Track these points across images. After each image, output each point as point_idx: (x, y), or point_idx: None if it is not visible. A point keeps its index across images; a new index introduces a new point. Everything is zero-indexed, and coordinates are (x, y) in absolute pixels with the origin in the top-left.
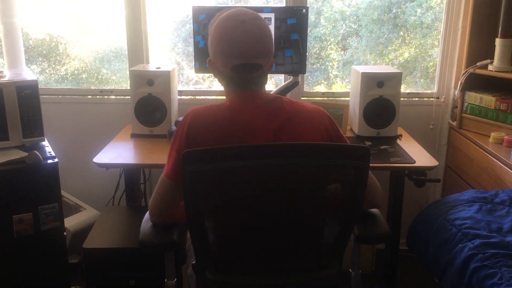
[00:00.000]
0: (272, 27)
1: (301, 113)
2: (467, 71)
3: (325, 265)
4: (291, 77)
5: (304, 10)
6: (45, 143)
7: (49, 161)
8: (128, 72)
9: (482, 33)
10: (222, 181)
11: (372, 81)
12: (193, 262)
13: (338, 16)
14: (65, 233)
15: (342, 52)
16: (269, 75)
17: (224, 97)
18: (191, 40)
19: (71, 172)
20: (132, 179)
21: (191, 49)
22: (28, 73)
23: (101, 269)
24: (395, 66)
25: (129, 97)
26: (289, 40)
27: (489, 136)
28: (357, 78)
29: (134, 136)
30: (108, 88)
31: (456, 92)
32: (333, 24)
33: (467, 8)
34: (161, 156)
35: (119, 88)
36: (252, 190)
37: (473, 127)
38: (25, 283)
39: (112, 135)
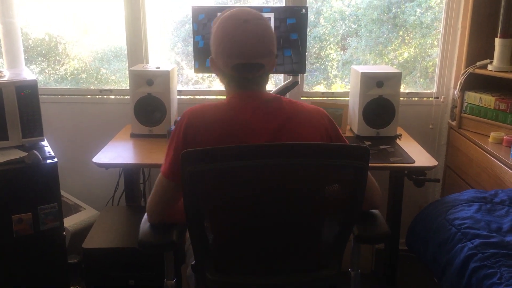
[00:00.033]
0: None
1: (300, 113)
2: (466, 71)
3: (325, 265)
4: (291, 77)
5: (303, 10)
6: (45, 143)
7: (49, 161)
8: (127, 72)
9: (482, 33)
10: (222, 181)
11: (371, 81)
12: (192, 263)
13: (338, 16)
14: (64, 233)
15: (342, 52)
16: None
17: (224, 97)
18: (191, 40)
19: (70, 172)
20: (132, 179)
21: (190, 49)
22: (28, 73)
23: (100, 269)
24: (395, 66)
25: (129, 97)
26: (289, 40)
27: (489, 136)
28: (356, 78)
29: (133, 136)
30: (108, 88)
31: (455, 92)
32: (332, 24)
33: (466, 8)
34: (161, 156)
35: (118, 88)
36: (251, 190)
37: (472, 127)
38: (25, 283)
39: (112, 135)
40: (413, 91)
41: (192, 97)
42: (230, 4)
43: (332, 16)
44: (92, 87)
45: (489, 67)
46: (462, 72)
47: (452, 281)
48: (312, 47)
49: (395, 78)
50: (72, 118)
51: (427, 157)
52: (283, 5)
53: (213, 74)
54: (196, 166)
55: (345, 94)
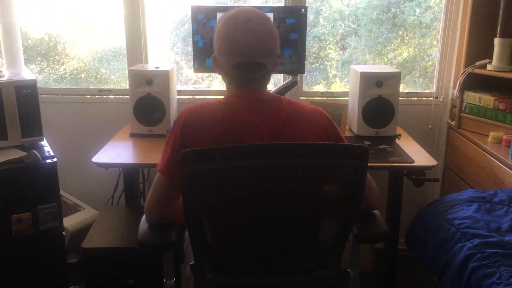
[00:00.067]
0: None
1: (300, 113)
2: (466, 70)
3: (324, 265)
4: (290, 76)
5: (303, 10)
6: (44, 142)
7: (48, 160)
8: (127, 72)
9: (481, 33)
10: (220, 181)
11: (371, 81)
12: (191, 263)
13: (337, 15)
14: (64, 232)
15: (341, 52)
16: None
17: (222, 96)
18: (190, 40)
19: (70, 171)
20: (131, 178)
21: (190, 48)
22: (27, 73)
23: (100, 269)
24: (394, 66)
25: (128, 96)
26: (288, 40)
27: (488, 136)
28: (356, 77)
29: (133, 135)
30: (107, 87)
31: (455, 92)
32: (332, 24)
33: (466, 8)
34: (160, 155)
35: (118, 87)
36: (250, 190)
37: (472, 126)
38: (24, 283)
39: (111, 135)
40: (412, 91)
41: (191, 96)
42: (229, 4)
43: (331, 16)
44: (91, 87)
45: (488, 67)
46: (461, 72)
47: (451, 281)
48: (311, 47)
49: (394, 78)
50: (72, 118)
51: (427, 157)
52: (283, 4)
53: (213, 74)
54: (195, 166)
55: (345, 94)
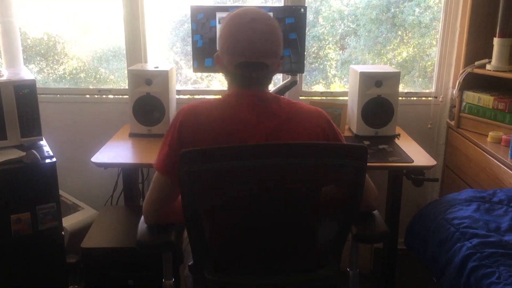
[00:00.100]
0: None
1: (299, 113)
2: (465, 70)
3: (324, 265)
4: (290, 76)
5: (302, 10)
6: (43, 142)
7: (47, 160)
8: (126, 72)
9: (480, 33)
10: (220, 181)
11: (370, 81)
12: (189, 263)
13: (336, 15)
14: (63, 232)
15: (340, 52)
16: None
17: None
18: (189, 40)
19: (69, 171)
20: (130, 178)
21: (189, 48)
22: (26, 73)
23: (99, 269)
24: (393, 66)
25: (127, 96)
26: (288, 40)
27: (487, 136)
28: (355, 77)
29: (132, 135)
30: (106, 87)
31: (454, 92)
32: (331, 24)
33: (465, 7)
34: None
35: (117, 87)
36: (250, 190)
37: (471, 126)
38: (23, 283)
39: (110, 135)
40: (411, 90)
41: (191, 96)
42: (228, 4)
43: (331, 16)
44: (90, 87)
45: (488, 66)
46: (460, 71)
47: (450, 280)
48: (311, 46)
49: (393, 78)
50: (71, 117)
51: (426, 157)
52: (282, 4)
53: (212, 74)
54: (195, 166)
55: (344, 93)
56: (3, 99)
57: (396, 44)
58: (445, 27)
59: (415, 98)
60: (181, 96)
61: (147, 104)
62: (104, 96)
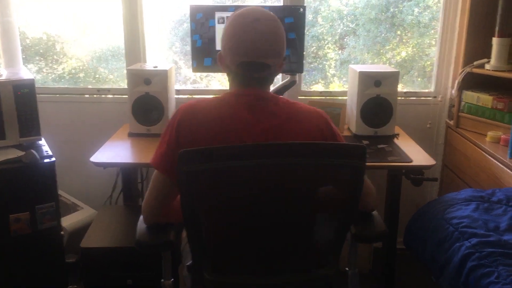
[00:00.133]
0: None
1: (297, 113)
2: (464, 70)
3: (323, 265)
4: (289, 76)
5: (301, 9)
6: (42, 142)
7: (46, 160)
8: (125, 71)
9: (479, 32)
10: (219, 181)
11: (369, 80)
12: (187, 264)
13: (336, 15)
14: (62, 232)
15: (340, 51)
16: None
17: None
18: (189, 39)
19: (68, 171)
20: (130, 178)
21: (188, 48)
22: (25, 72)
23: (98, 269)
24: (393, 65)
25: (126, 96)
26: (287, 40)
27: (486, 135)
28: (354, 77)
29: (131, 135)
30: (106, 87)
31: (453, 91)
32: (330, 23)
33: (464, 7)
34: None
35: (116, 87)
36: (249, 190)
37: (470, 126)
38: (23, 283)
39: (109, 134)
40: (411, 90)
41: (190, 96)
42: (228, 4)
43: (330, 15)
44: (90, 86)
45: (487, 66)
46: (459, 71)
47: (449, 280)
48: (310, 46)
49: (392, 78)
50: (70, 117)
51: (425, 156)
52: (281, 4)
53: (211, 73)
54: (193, 166)
55: (343, 93)
56: (2, 98)
57: (395, 44)
58: (444, 27)
59: (414, 98)
60: (180, 96)
61: (146, 103)
62: (103, 95)
